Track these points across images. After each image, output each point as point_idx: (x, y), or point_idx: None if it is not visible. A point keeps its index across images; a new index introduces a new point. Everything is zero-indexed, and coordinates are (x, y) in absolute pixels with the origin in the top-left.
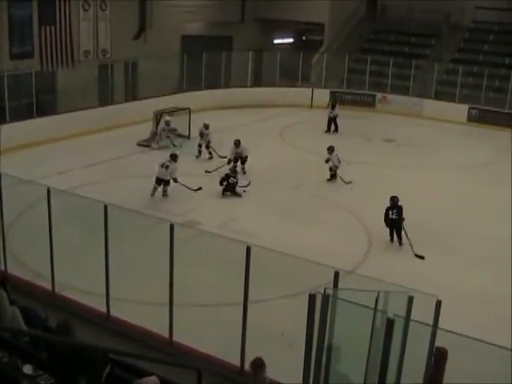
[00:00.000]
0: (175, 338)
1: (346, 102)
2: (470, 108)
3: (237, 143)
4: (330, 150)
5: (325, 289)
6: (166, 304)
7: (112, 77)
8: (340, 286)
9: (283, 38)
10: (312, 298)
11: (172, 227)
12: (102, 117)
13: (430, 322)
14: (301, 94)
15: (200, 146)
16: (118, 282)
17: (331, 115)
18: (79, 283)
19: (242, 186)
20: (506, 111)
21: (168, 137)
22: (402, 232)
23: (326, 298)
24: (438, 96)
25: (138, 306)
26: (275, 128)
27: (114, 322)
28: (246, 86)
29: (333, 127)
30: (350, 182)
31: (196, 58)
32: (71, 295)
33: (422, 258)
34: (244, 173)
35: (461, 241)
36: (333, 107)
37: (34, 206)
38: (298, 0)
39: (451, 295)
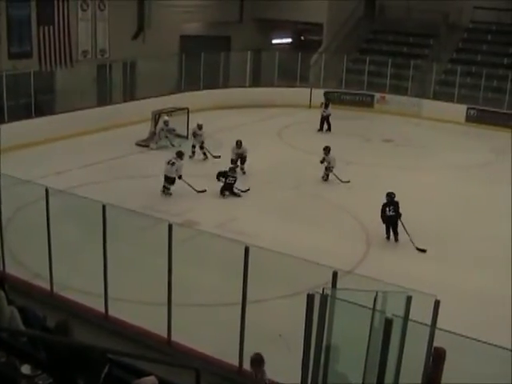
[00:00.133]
0: (174, 338)
1: (344, 102)
2: (468, 108)
3: (239, 144)
4: (327, 150)
5: (323, 289)
6: (165, 304)
7: (110, 77)
8: (338, 285)
9: (282, 38)
10: (310, 298)
11: (170, 227)
12: (101, 117)
13: (429, 322)
14: (299, 94)
15: (194, 146)
16: (116, 282)
17: (324, 114)
18: (77, 283)
19: (242, 191)
20: (504, 111)
21: (167, 137)
22: (401, 227)
23: (324, 298)
24: (437, 96)
25: (137, 306)
26: (274, 128)
27: (113, 322)
28: (244, 86)
29: (325, 126)
30: (348, 181)
31: (194, 57)
32: (69, 295)
33: (423, 251)
34: (244, 173)
35: (460, 241)
36: (326, 106)
37: (33, 206)
38: (296, 0)
39: (451, 295)
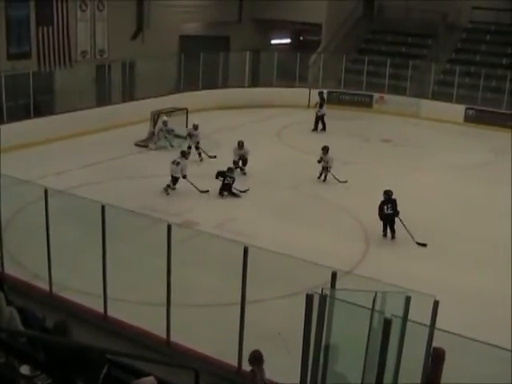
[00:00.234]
0: (172, 339)
1: (343, 102)
2: (467, 108)
3: (240, 144)
4: (325, 150)
5: (322, 289)
6: (164, 304)
7: (109, 77)
8: (337, 286)
9: (280, 38)
10: (309, 299)
11: (169, 227)
12: (100, 117)
13: (428, 322)
14: (298, 94)
15: (189, 147)
16: (115, 282)
17: (319, 114)
18: (76, 284)
19: (241, 191)
20: (503, 111)
21: (166, 137)
22: (399, 225)
23: (323, 298)
24: (435, 96)
25: (136, 307)
26: (272, 128)
27: (112, 323)
28: (243, 86)
29: (320, 126)
30: (345, 181)
31: (193, 58)
32: (68, 296)
33: (424, 245)
34: (244, 174)
35: (459, 241)
36: (320, 106)
37: (32, 206)
38: (295, 0)
39: (450, 295)
